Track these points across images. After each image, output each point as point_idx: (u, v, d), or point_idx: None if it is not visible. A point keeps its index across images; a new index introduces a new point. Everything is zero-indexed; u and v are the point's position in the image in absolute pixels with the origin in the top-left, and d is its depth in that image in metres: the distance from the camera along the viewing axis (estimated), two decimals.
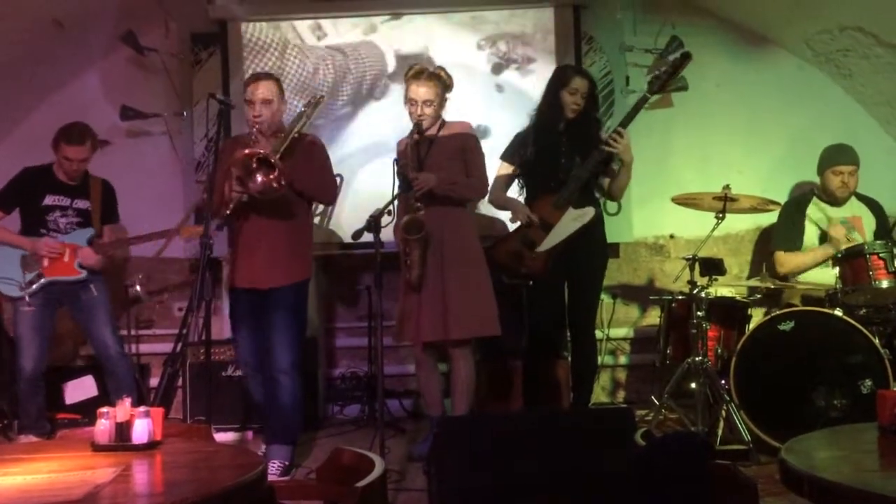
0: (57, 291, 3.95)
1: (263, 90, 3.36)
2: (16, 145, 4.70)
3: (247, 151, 3.18)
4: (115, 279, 4.67)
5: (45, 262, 3.91)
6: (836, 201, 4.13)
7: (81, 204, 4.02)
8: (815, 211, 4.17)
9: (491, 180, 3.77)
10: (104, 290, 4.05)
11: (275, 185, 3.14)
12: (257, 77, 3.45)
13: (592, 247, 3.77)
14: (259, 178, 3.15)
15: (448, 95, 3.59)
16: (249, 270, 3.40)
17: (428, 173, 3.44)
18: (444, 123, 3.60)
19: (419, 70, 3.56)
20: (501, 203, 3.94)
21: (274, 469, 3.29)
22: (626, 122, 3.70)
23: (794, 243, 4.14)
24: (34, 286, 3.87)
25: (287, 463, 3.38)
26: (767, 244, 4.48)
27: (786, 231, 4.18)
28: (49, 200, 3.97)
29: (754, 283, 3.97)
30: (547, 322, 3.80)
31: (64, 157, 3.93)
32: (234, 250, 3.50)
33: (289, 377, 3.40)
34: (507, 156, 3.93)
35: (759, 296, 4.02)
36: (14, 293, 3.89)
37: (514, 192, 4.01)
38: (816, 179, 4.26)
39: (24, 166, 4.03)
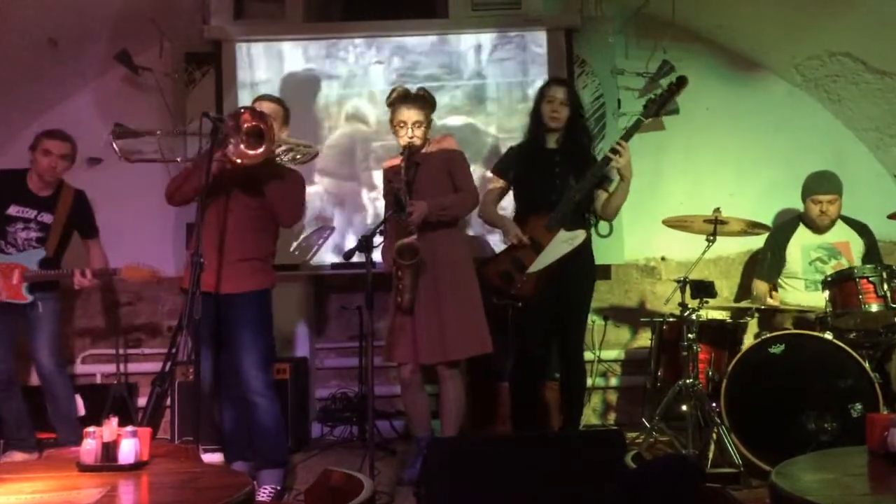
0: (7, 310, 3.87)
1: (267, 107, 3.38)
2: (9, 163, 4.68)
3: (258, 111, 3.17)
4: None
5: None
6: (818, 229, 4.17)
7: (46, 218, 3.95)
8: (802, 238, 4.20)
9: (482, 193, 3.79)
10: (53, 310, 3.95)
11: (249, 152, 3.10)
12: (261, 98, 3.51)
13: (581, 269, 3.75)
14: (241, 145, 3.11)
15: (432, 116, 3.63)
16: (211, 273, 3.22)
17: (420, 202, 3.43)
18: (428, 141, 3.63)
19: (404, 93, 3.58)
20: (492, 220, 3.92)
21: (265, 495, 3.23)
22: (626, 137, 3.66)
23: (770, 275, 4.28)
24: None
25: (279, 487, 3.31)
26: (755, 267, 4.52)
27: (765, 261, 4.33)
28: (13, 211, 3.91)
29: (745, 305, 3.99)
30: (534, 344, 3.78)
31: (44, 150, 3.88)
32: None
33: (265, 398, 3.29)
34: (498, 169, 3.94)
35: (749, 318, 4.04)
36: None
37: (506, 206, 4.02)
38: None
39: None
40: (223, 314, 3.30)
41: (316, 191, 4.61)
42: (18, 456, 3.89)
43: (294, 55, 4.71)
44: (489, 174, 4.10)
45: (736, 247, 4.75)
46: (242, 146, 3.12)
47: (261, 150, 3.12)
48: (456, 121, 4.66)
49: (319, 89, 4.70)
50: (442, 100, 4.51)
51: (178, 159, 3.59)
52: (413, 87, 3.64)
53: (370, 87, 4.69)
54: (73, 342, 4.84)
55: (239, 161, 3.13)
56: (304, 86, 4.69)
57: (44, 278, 3.90)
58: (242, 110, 3.18)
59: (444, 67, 4.69)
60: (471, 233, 4.52)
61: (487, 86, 4.69)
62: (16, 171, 4.00)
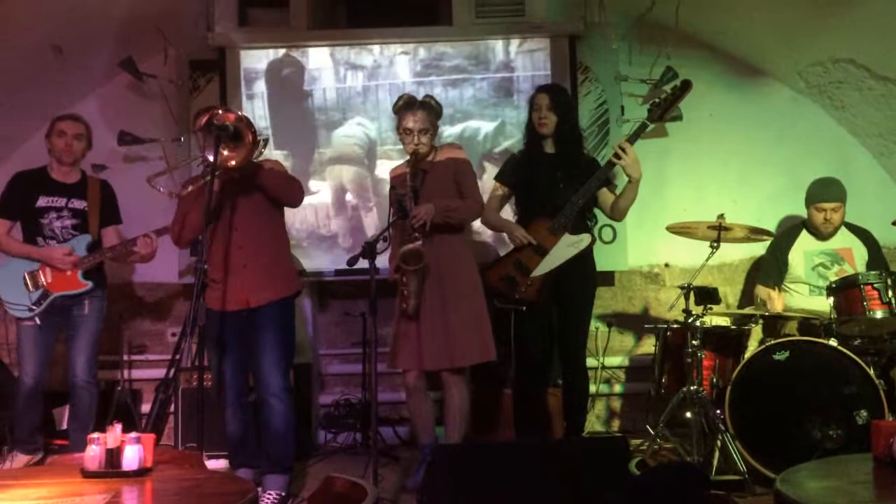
0: (58, 306, 3.85)
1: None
2: (14, 169, 4.70)
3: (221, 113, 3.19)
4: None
5: (50, 278, 3.82)
6: (821, 236, 4.17)
7: (77, 204, 3.92)
8: (805, 244, 4.20)
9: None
10: (99, 309, 3.94)
11: (232, 160, 3.13)
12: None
13: (583, 273, 3.74)
14: (224, 150, 3.13)
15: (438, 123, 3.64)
16: (235, 291, 3.32)
17: (426, 204, 3.44)
18: (435, 149, 3.64)
19: (410, 100, 3.59)
20: (495, 224, 3.92)
21: (269, 501, 3.24)
22: (632, 140, 3.63)
23: (772, 279, 4.27)
24: (43, 305, 3.81)
25: (283, 494, 3.31)
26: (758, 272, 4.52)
27: (767, 266, 4.33)
28: (43, 202, 3.88)
29: (749, 311, 3.98)
30: (536, 350, 3.77)
31: (59, 131, 3.88)
32: (215, 272, 3.36)
33: (281, 401, 3.33)
34: (500, 177, 3.94)
35: (753, 325, 4.03)
36: (24, 314, 3.80)
37: (507, 212, 4.01)
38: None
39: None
40: (248, 324, 3.34)
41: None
42: (21, 458, 3.88)
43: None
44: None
45: (740, 253, 4.75)
46: (226, 151, 3.14)
47: (243, 147, 3.15)
48: (482, 115, 4.63)
49: (344, 80, 4.70)
50: (466, 93, 4.48)
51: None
52: (420, 94, 3.65)
53: (395, 78, 4.69)
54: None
55: (233, 163, 3.15)
56: (325, 76, 4.70)
57: (100, 260, 3.88)
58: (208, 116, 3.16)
59: (470, 59, 4.67)
60: (474, 237, 4.53)
61: (516, 78, 4.66)
62: (35, 169, 3.99)
